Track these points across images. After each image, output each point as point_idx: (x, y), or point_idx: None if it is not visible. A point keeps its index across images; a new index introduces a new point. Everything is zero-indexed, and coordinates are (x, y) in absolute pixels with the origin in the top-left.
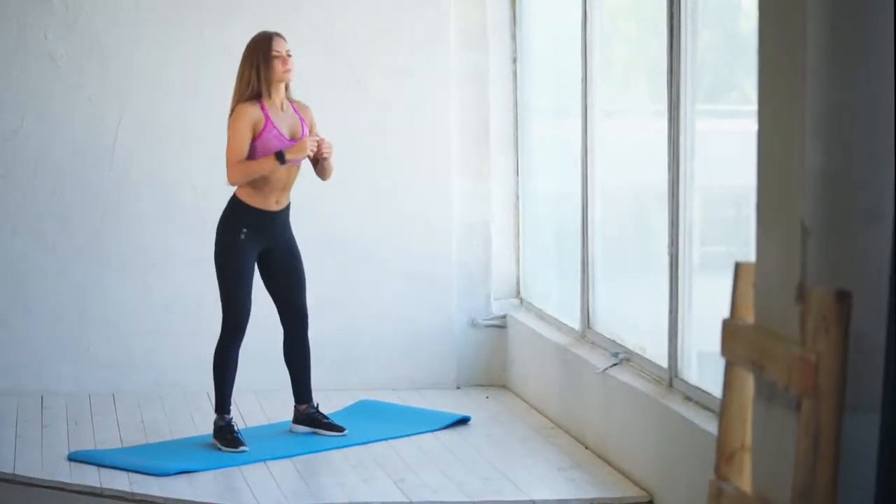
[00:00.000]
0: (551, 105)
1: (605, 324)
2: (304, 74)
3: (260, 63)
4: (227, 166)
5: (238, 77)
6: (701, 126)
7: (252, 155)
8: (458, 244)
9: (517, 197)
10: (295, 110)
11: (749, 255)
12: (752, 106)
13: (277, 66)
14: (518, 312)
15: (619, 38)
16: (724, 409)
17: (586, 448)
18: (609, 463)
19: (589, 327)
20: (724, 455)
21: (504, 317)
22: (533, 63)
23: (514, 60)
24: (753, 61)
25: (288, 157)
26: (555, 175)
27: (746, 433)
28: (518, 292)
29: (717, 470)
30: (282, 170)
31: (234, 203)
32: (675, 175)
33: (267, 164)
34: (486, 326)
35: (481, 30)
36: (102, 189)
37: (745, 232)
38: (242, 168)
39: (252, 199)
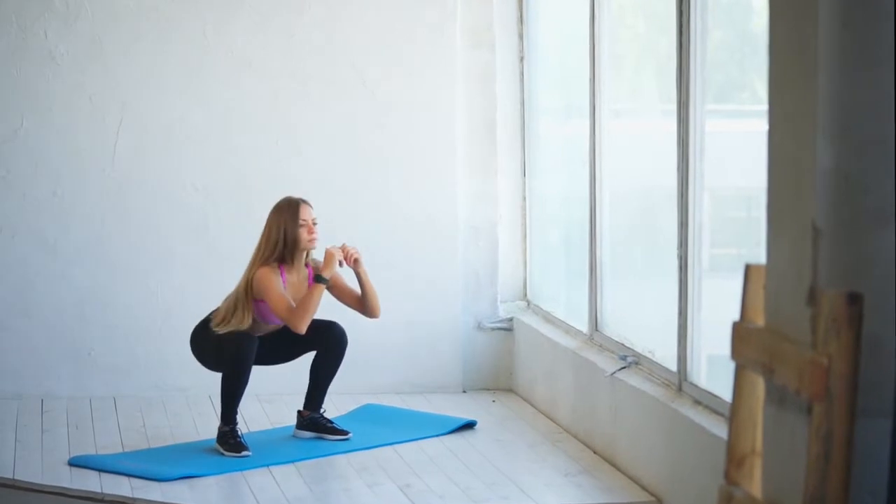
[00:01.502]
0: (559, 104)
1: (614, 327)
2: (307, 74)
3: (287, 227)
4: (289, 321)
5: (264, 237)
6: (711, 126)
7: (259, 312)
8: (464, 246)
9: (524, 198)
10: (310, 273)
11: (759, 256)
12: (763, 105)
13: (303, 234)
14: (525, 315)
15: (628, 37)
16: (733, 414)
17: (594, 453)
18: (617, 468)
19: (597, 330)
20: (733, 460)
21: (511, 319)
22: (540, 62)
23: (522, 59)
24: (764, 60)
25: (325, 275)
26: (562, 176)
27: (757, 438)
28: (525, 295)
29: (727, 475)
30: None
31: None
32: (684, 176)
33: (317, 294)
34: (493, 329)
35: (488, 28)
36: (103, 190)
37: (756, 233)
38: (299, 313)
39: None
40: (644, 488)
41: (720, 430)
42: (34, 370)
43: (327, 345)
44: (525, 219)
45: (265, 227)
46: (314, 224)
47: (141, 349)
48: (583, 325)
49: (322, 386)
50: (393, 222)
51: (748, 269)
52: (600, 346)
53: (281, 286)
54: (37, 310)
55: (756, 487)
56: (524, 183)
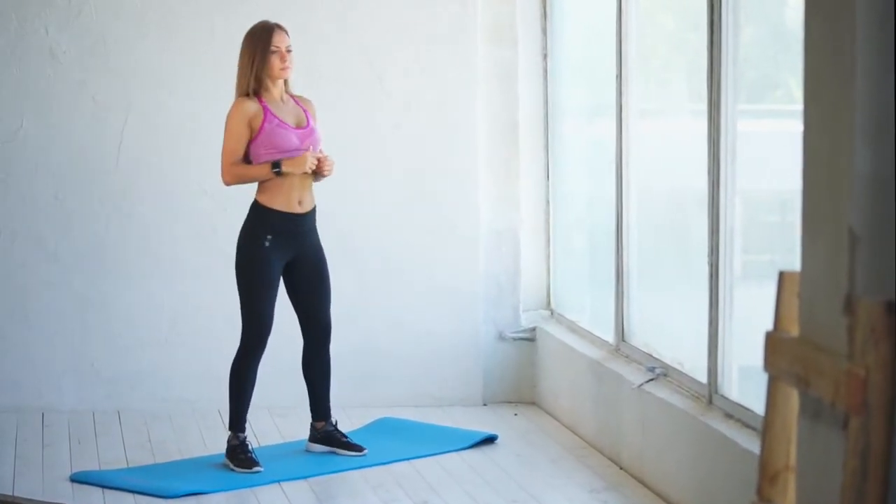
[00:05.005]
0: (584, 104)
1: (641, 337)
2: (321, 71)
3: (257, 56)
4: (222, 166)
5: (238, 69)
6: (743, 126)
7: (257, 148)
8: (485, 252)
9: (547, 202)
10: (297, 102)
11: (794, 263)
12: (798, 105)
13: (275, 62)
14: (548, 325)
15: (657, 33)
16: (766, 427)
17: (621, 468)
18: (645, 484)
19: (624, 340)
20: (766, 475)
21: (533, 329)
22: (565, 59)
23: (545, 56)
24: (799, 57)
25: (284, 169)
26: (587, 178)
27: (790, 452)
28: (548, 303)
29: (760, 491)
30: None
31: (256, 208)
32: (715, 178)
33: (260, 172)
34: (515, 339)
35: (510, 24)
36: (107, 193)
37: (790, 239)
38: (236, 171)
39: (274, 202)
40: None
41: (752, 444)
42: (34, 382)
43: (312, 332)
44: (548, 223)
45: (240, 56)
46: (288, 52)
47: (146, 360)
48: (609, 335)
49: (320, 391)
50: (410, 227)
51: (782, 277)
52: (627, 356)
53: (241, 128)
54: (37, 318)
55: None
56: (548, 186)
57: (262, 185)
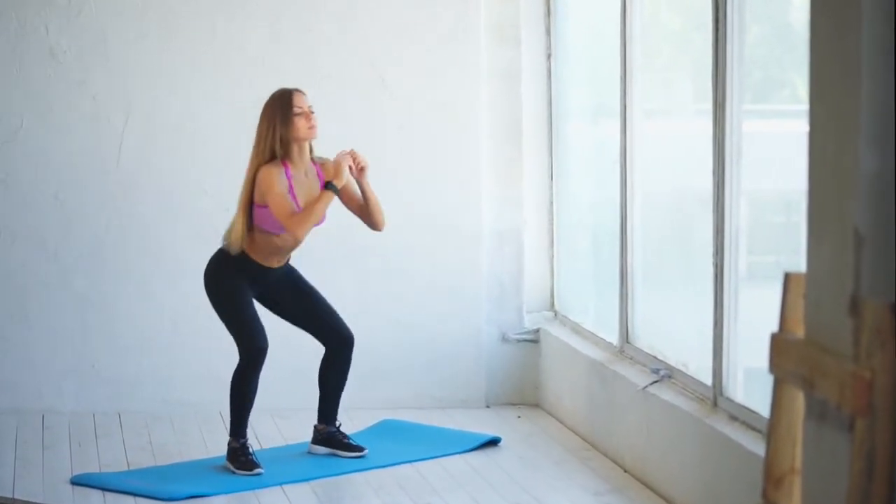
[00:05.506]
0: (588, 104)
1: (645, 338)
2: (323, 72)
3: (278, 122)
4: (287, 226)
5: (256, 136)
6: (748, 127)
7: (267, 216)
8: (489, 253)
9: (551, 202)
10: (318, 173)
11: (799, 264)
12: (804, 105)
13: (300, 123)
14: (552, 326)
15: (661, 33)
16: (771, 430)
17: (625, 471)
18: (649, 487)
19: (628, 342)
20: (772, 478)
21: (537, 331)
22: (569, 59)
23: (549, 57)
24: (805, 58)
25: (337, 183)
26: (592, 179)
27: (796, 455)
28: (552, 304)
29: (765, 494)
30: (290, 238)
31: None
32: (720, 179)
33: (324, 202)
34: (518, 341)
35: (513, 24)
36: (107, 194)
37: (795, 240)
38: (301, 218)
39: (253, 253)
40: None
41: (758, 446)
42: (34, 384)
43: (332, 343)
44: (552, 224)
45: (259, 124)
46: (311, 111)
47: (147, 361)
48: (613, 337)
49: (331, 396)
50: (413, 228)
51: (787, 278)
52: (631, 358)
53: (284, 187)
54: (37, 319)
55: None
56: (551, 186)
57: (251, 236)
